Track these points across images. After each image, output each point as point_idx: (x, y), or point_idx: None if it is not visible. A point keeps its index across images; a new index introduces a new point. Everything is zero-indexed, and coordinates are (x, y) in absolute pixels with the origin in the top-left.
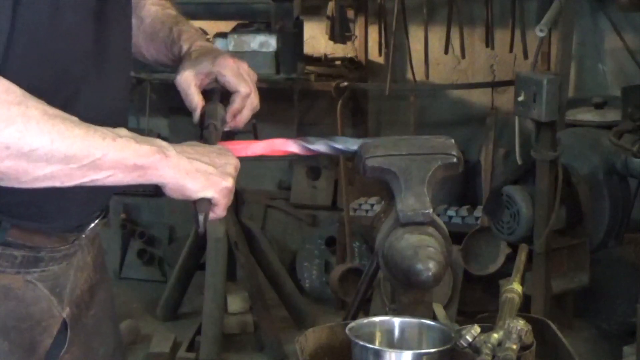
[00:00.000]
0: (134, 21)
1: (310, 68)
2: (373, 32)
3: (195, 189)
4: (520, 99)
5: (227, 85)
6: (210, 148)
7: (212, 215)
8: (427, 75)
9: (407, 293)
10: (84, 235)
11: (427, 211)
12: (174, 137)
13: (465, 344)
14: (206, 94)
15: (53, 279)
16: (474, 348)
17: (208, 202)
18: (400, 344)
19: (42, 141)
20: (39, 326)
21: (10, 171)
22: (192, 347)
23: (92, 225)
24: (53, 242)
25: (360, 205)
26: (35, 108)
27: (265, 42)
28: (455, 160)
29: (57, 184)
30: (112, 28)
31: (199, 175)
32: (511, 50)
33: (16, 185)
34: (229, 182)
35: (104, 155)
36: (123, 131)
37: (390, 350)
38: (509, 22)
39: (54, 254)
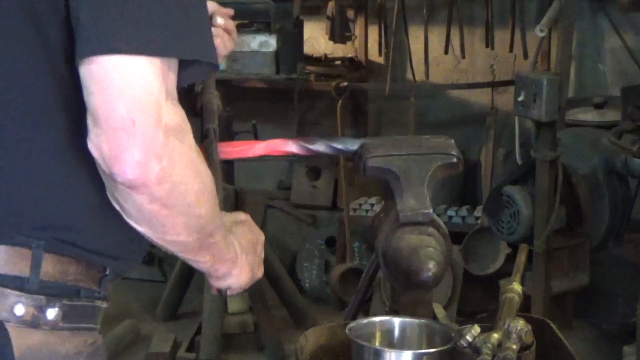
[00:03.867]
0: None
1: (310, 68)
2: (373, 32)
3: (239, 284)
4: (520, 99)
5: None
6: (252, 234)
7: (229, 292)
8: (427, 75)
9: (407, 293)
10: None
11: (427, 211)
12: None
13: (465, 344)
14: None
15: None
16: (474, 348)
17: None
18: (400, 344)
19: (207, 212)
20: None
21: (168, 220)
22: (192, 347)
23: None
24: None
25: (360, 205)
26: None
27: (265, 42)
28: (455, 160)
29: (174, 249)
30: None
31: (248, 270)
32: (511, 50)
33: (148, 231)
34: (262, 272)
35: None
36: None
37: (390, 350)
38: (509, 22)
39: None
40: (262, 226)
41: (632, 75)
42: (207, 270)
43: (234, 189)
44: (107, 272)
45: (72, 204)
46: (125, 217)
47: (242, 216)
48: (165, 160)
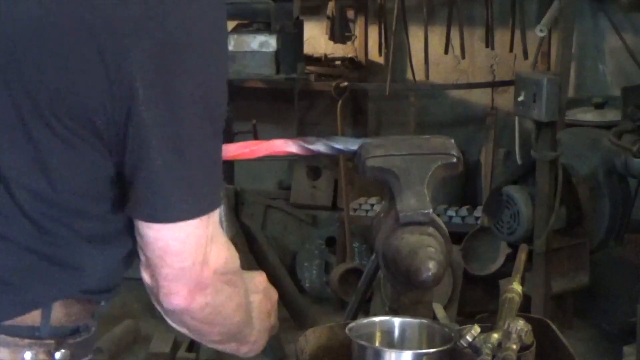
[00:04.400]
0: None
1: (310, 68)
2: (373, 32)
3: (255, 353)
4: (520, 99)
5: None
6: (268, 302)
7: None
8: (427, 75)
9: (407, 293)
10: None
11: (427, 211)
12: None
13: (465, 344)
14: None
15: None
16: (474, 348)
17: None
18: (400, 344)
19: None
20: None
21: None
22: (192, 347)
23: None
24: None
25: (360, 205)
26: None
27: (265, 42)
28: (455, 160)
29: (210, 345)
30: None
31: (264, 338)
32: (511, 50)
33: (187, 333)
34: (275, 330)
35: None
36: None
37: (390, 350)
38: (509, 22)
39: None
40: (262, 226)
41: (632, 75)
42: (231, 352)
43: (234, 189)
44: (102, 304)
45: (87, 262)
46: (165, 318)
47: (257, 281)
48: (209, 293)
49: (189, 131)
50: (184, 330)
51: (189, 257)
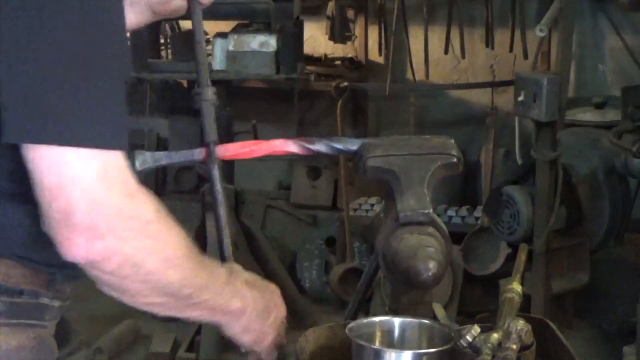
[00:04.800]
0: None
1: (310, 68)
2: (373, 32)
3: (249, 343)
4: (520, 99)
5: None
6: (270, 300)
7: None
8: (427, 75)
9: (407, 293)
10: None
11: (427, 211)
12: (174, 137)
13: (465, 344)
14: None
15: None
16: (474, 348)
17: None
18: (400, 344)
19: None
20: None
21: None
22: (192, 347)
23: None
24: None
25: (360, 205)
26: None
27: (265, 42)
28: (455, 160)
29: (155, 310)
30: None
31: (261, 337)
32: (511, 50)
33: (117, 296)
34: (275, 337)
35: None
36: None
37: (390, 350)
38: (509, 22)
39: None
40: (262, 226)
41: (632, 75)
42: (209, 322)
43: (234, 189)
44: (56, 277)
45: (18, 222)
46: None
47: (271, 287)
48: (109, 239)
49: (52, 47)
50: (112, 294)
51: (73, 197)
